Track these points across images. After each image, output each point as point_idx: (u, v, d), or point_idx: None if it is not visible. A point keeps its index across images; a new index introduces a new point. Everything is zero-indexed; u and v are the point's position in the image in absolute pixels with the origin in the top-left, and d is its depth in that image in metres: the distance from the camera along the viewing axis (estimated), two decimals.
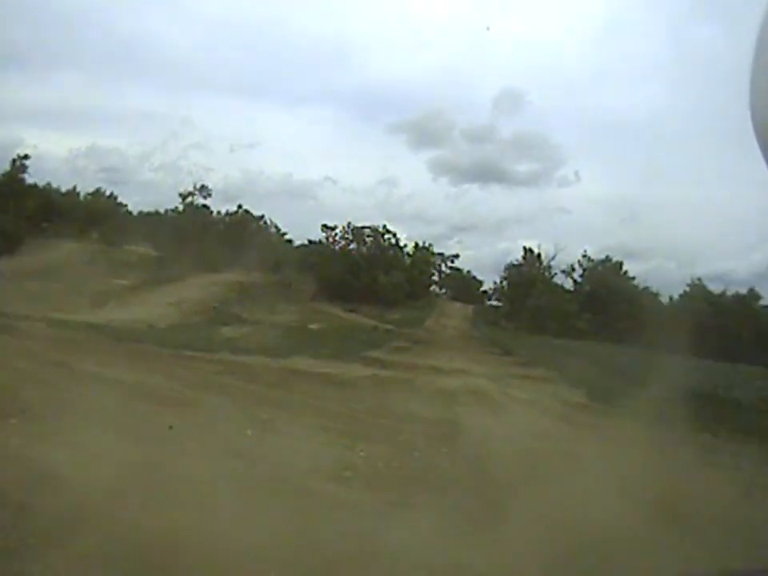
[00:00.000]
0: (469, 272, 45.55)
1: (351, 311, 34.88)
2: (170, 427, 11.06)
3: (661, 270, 46.06)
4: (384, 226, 40.53)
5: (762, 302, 42.23)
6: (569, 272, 42.25)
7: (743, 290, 42.42)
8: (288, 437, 12.03)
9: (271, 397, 16.38)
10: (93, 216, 37.77)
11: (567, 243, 42.32)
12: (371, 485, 9.29)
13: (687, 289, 42.28)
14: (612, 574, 8.20)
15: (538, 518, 9.01)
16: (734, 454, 15.91)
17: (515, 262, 42.53)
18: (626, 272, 42.90)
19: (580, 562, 8.06)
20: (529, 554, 7.73)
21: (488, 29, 40.14)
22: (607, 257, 42.50)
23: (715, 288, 42.20)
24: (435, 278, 44.49)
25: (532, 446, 15.02)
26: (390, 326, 33.38)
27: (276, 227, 41.52)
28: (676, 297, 42.53)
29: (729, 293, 41.68)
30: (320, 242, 39.70)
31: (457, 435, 14.66)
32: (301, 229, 42.93)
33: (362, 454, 11.08)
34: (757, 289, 42.63)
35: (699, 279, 42.05)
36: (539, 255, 42.03)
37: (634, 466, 12.61)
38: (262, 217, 41.13)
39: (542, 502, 9.79)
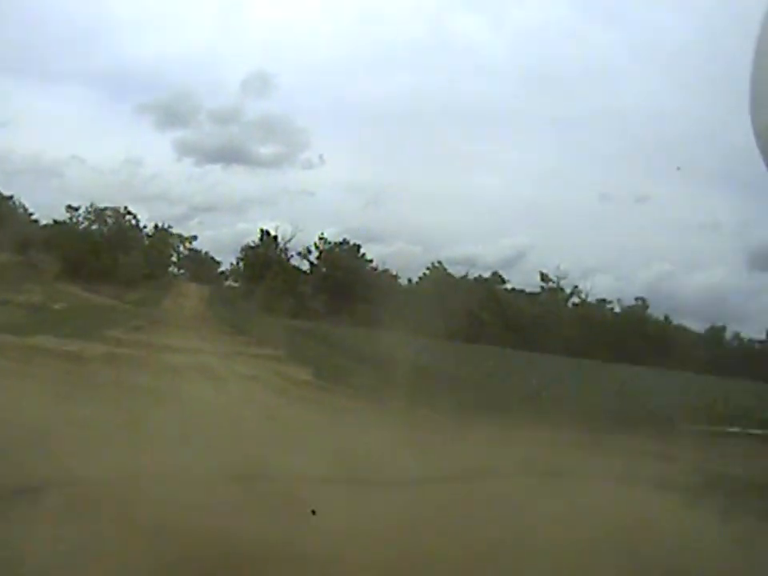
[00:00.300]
0: (207, 253, 46.23)
1: (93, 291, 35.50)
2: None
3: (404, 254, 46.37)
4: (125, 207, 41.44)
5: (507, 286, 44.54)
6: (304, 254, 43.26)
7: (487, 274, 44.51)
8: (23, 399, 14.20)
9: (15, 370, 18.02)
10: None
11: (310, 225, 43.17)
12: (82, 427, 12.48)
13: (427, 272, 43.82)
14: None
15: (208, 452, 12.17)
16: (431, 420, 18.13)
17: (252, 244, 43.48)
18: (363, 255, 43.98)
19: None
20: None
21: None
22: (345, 239, 43.60)
23: (459, 271, 43.61)
24: (174, 258, 45.23)
25: (241, 411, 17.45)
26: (128, 306, 34.75)
27: (24, 207, 41.26)
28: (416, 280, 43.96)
29: (472, 276, 43.29)
30: (65, 222, 40.12)
31: (172, 402, 16.53)
32: (49, 208, 42.79)
33: (82, 410, 13.96)
34: (501, 272, 44.64)
35: (440, 262, 43.62)
36: (275, 237, 43.02)
37: (329, 429, 15.49)
38: (11, 197, 40.94)
39: (220, 447, 12.72)
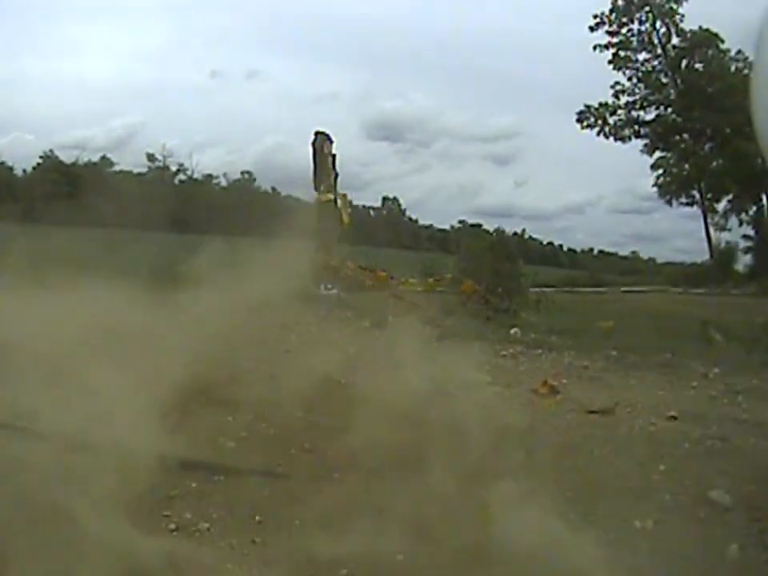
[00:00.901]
0: None
1: None
2: None
3: (21, 143, 50.16)
4: None
5: (116, 168, 46.55)
6: None
7: (97, 158, 46.55)
8: None
9: None
10: None
11: None
12: None
13: (40, 161, 44.70)
14: None
15: None
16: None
17: None
18: None
19: None
20: None
21: None
22: None
23: (71, 157, 44.85)
24: None
25: None
26: None
27: None
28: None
29: (82, 161, 44.48)
30: None
31: None
32: None
33: None
34: (111, 155, 47.26)
35: (51, 150, 45.13)
36: None
37: None
38: None
39: None
